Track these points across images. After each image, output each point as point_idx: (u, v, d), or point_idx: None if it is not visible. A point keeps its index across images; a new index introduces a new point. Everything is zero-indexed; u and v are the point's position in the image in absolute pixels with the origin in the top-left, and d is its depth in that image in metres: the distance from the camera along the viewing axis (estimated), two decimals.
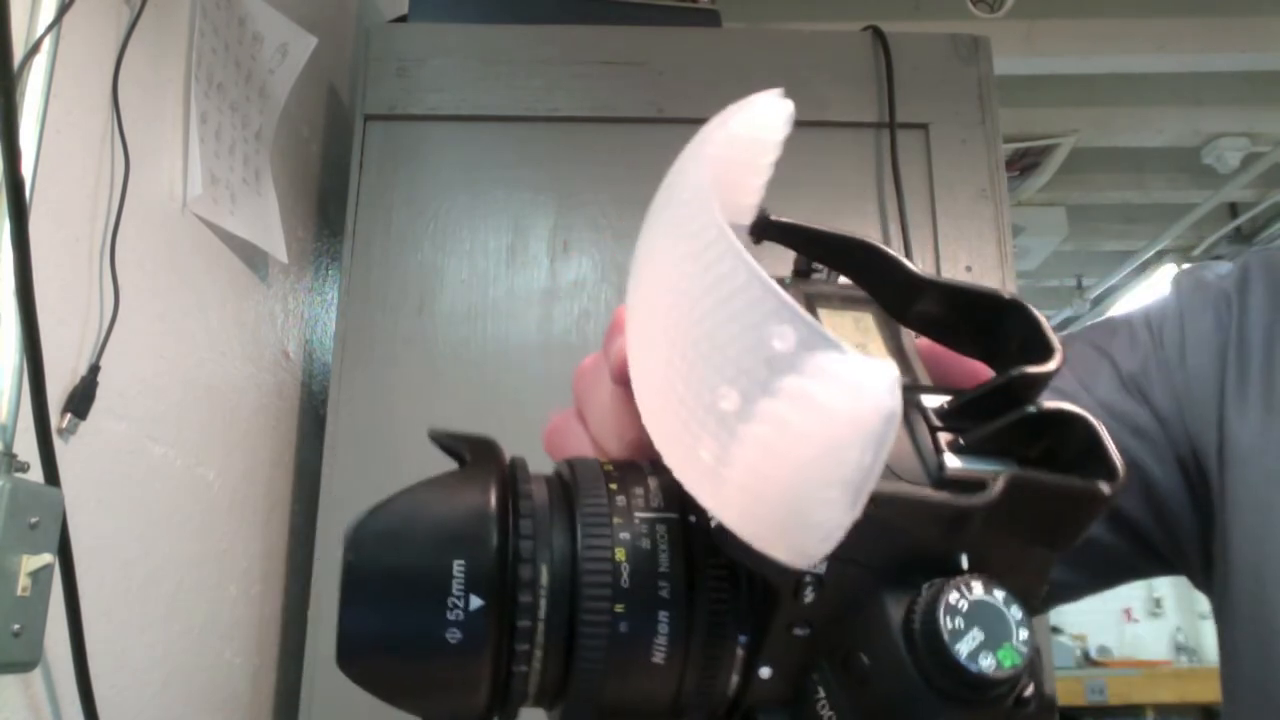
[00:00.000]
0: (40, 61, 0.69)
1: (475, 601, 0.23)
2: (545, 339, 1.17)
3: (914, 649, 0.22)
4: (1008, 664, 0.22)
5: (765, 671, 0.25)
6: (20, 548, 0.63)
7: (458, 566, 0.24)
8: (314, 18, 1.24)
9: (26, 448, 0.66)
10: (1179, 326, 0.55)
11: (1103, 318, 0.64)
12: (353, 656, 0.24)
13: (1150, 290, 3.61)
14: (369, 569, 0.24)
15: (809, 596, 0.23)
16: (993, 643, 0.22)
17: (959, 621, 0.22)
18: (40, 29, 0.69)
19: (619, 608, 0.24)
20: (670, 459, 0.23)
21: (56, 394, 0.72)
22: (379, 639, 0.24)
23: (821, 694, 0.24)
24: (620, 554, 0.24)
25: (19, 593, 0.63)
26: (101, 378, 0.77)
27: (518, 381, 1.15)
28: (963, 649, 0.22)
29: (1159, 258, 3.51)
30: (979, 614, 0.22)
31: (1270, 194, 3.12)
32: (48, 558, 0.65)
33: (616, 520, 0.25)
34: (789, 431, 0.19)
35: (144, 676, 0.87)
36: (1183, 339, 0.54)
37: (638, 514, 0.25)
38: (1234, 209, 3.31)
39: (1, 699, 0.67)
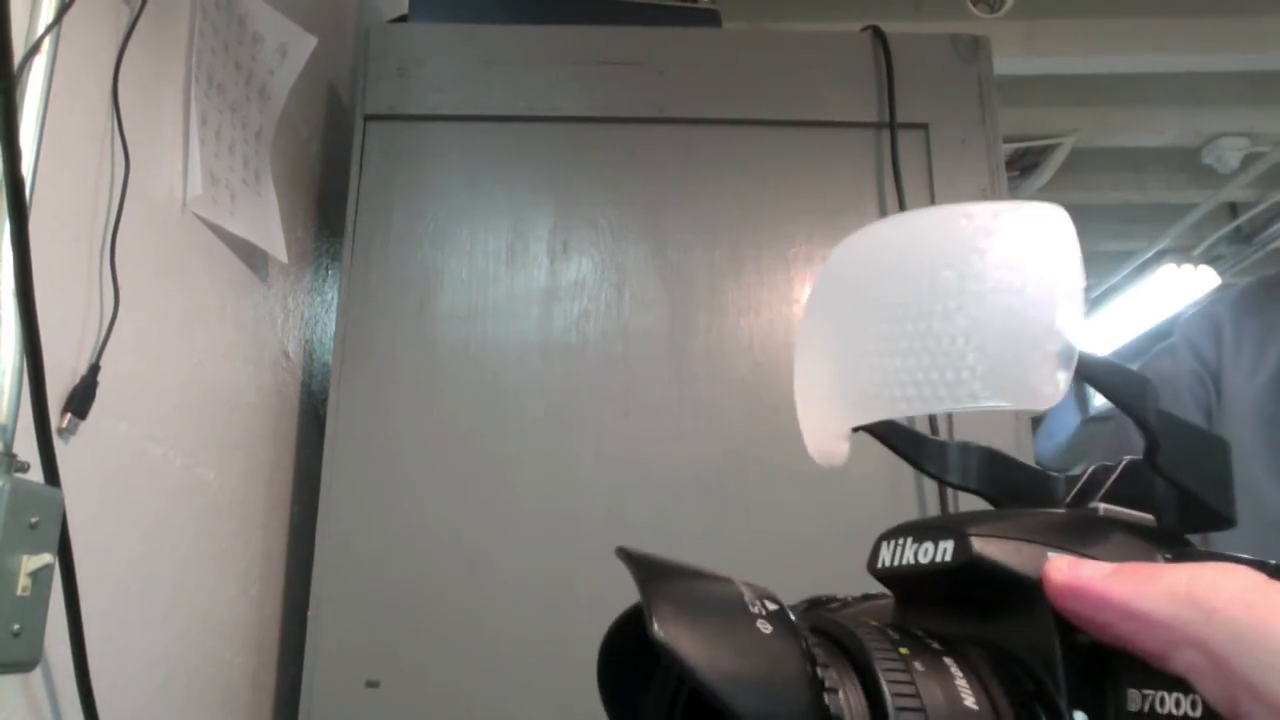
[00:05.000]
0: (40, 61, 0.69)
1: None
2: (545, 339, 1.17)
3: None
4: None
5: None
6: (20, 548, 0.63)
7: None
8: (313, 18, 1.24)
9: (26, 447, 0.66)
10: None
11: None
12: None
13: (1149, 291, 3.61)
14: None
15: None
16: None
17: None
18: (40, 29, 0.69)
19: None
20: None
21: (56, 394, 0.72)
22: None
23: None
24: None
25: (19, 593, 0.63)
26: (101, 377, 0.77)
27: (517, 381, 1.15)
28: None
29: (1159, 258, 3.50)
30: None
31: (1270, 194, 3.11)
32: (47, 558, 0.65)
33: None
34: None
35: (144, 676, 0.87)
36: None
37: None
38: (1234, 209, 3.31)
39: (1, 699, 0.67)
